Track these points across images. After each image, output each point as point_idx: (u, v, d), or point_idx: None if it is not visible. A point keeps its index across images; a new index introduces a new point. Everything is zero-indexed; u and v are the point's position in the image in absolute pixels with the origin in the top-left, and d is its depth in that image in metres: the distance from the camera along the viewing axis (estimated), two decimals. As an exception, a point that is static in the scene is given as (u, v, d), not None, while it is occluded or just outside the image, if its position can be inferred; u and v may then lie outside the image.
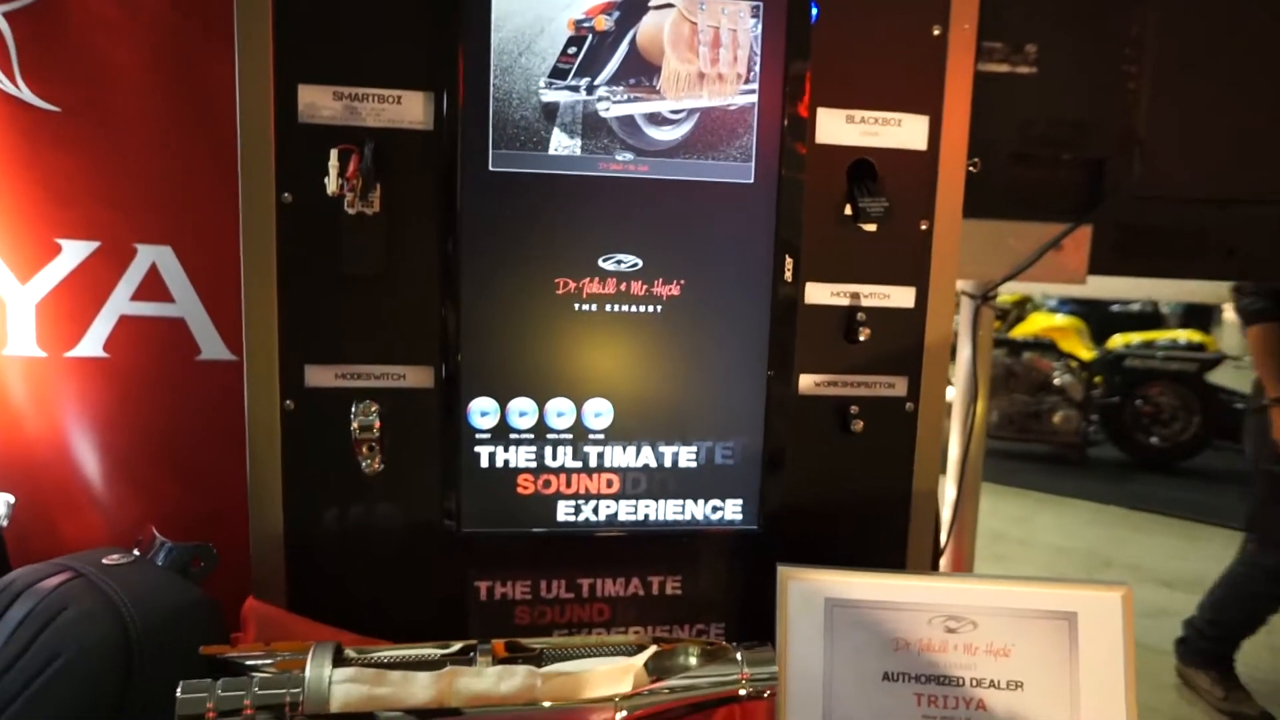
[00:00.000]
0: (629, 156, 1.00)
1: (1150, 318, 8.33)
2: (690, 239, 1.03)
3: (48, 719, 0.82)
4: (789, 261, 1.04)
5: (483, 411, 1.02)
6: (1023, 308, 7.30)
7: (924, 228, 1.09)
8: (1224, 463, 5.82)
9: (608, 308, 1.02)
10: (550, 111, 0.98)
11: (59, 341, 1.19)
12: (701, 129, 1.01)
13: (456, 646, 0.84)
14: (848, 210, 1.07)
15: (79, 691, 0.83)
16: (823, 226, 1.06)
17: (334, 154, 0.93)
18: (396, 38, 0.97)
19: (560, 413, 1.04)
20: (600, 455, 1.05)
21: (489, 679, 0.78)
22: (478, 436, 1.02)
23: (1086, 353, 6.32)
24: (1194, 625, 3.01)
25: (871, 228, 1.07)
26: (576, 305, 1.02)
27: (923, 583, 1.00)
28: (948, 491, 1.47)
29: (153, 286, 1.19)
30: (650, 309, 1.03)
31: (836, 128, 1.06)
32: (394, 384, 1.01)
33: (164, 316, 1.20)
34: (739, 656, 0.83)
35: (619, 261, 1.02)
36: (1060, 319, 6.75)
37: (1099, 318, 7.41)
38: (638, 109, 0.99)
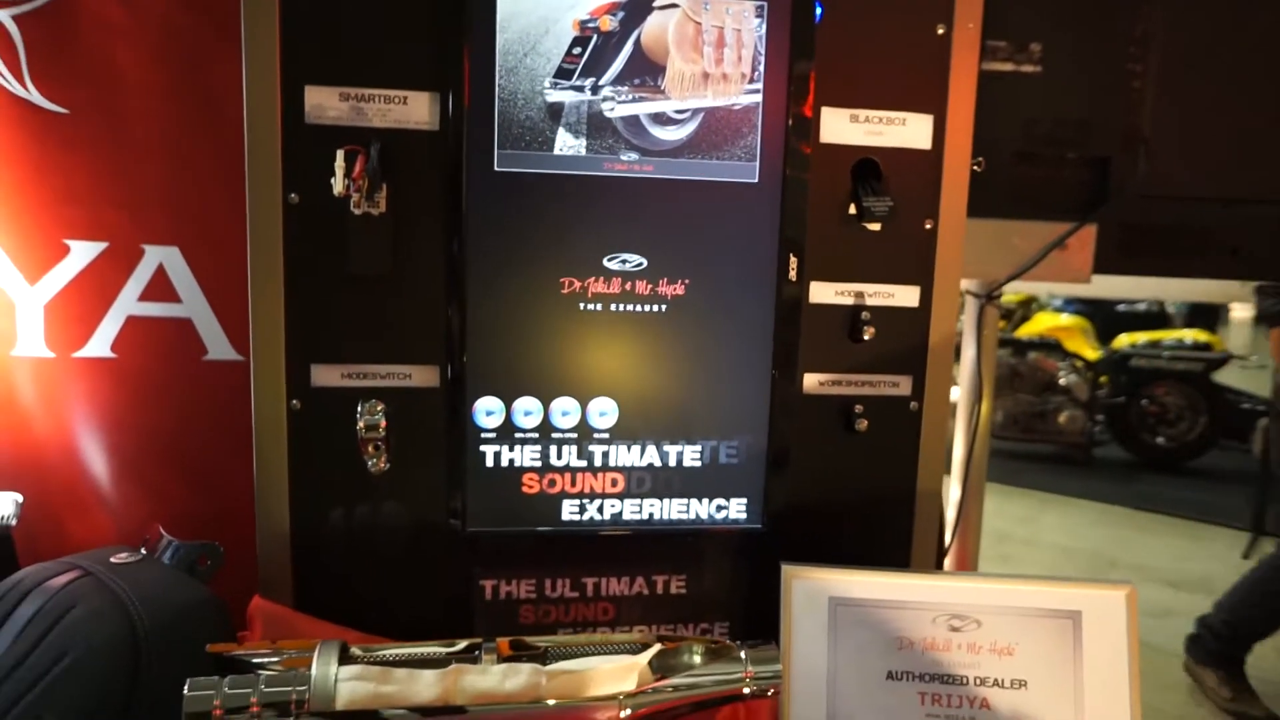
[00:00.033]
0: (634, 156, 1.00)
1: (1156, 317, 8.28)
2: (695, 238, 1.03)
3: (56, 716, 0.82)
4: (793, 261, 1.04)
5: (488, 411, 1.02)
6: (1028, 307, 7.28)
7: (928, 227, 1.09)
8: (1230, 463, 5.78)
9: (613, 307, 1.03)
10: (555, 112, 0.98)
11: (67, 342, 1.20)
12: (706, 129, 1.01)
13: (462, 645, 0.84)
14: (852, 210, 1.07)
15: (87, 689, 0.84)
16: (827, 226, 1.06)
17: (340, 154, 0.94)
18: (402, 39, 0.97)
19: (565, 412, 1.04)
20: (605, 454, 1.05)
21: (494, 677, 0.78)
22: (483, 436, 1.03)
23: (1092, 352, 6.29)
24: (1208, 624, 2.99)
25: (876, 227, 1.07)
26: (581, 305, 1.02)
27: (926, 582, 1.00)
28: (952, 491, 1.47)
29: (160, 287, 1.20)
30: (655, 308, 1.03)
31: (841, 127, 1.06)
32: (400, 384, 1.02)
33: (171, 317, 1.21)
34: (743, 655, 0.83)
35: (624, 261, 1.02)
36: (1065, 318, 6.73)
37: (1104, 317, 7.38)
38: (642, 109, 0.99)
